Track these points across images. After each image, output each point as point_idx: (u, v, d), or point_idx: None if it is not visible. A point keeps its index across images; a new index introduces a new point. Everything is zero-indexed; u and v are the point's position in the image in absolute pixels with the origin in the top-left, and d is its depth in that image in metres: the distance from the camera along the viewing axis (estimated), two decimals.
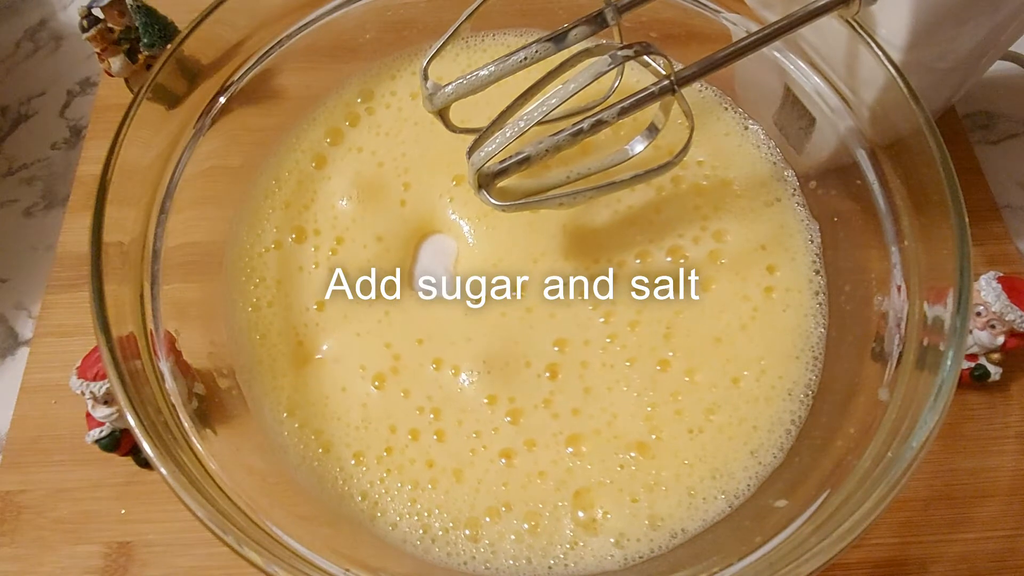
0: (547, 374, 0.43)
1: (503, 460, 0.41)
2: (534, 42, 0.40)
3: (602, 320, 0.44)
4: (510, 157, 0.38)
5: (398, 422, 0.42)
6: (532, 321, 0.44)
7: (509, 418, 0.42)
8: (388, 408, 0.43)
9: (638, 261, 0.46)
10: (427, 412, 0.42)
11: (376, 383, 0.43)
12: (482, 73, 0.40)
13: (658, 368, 0.43)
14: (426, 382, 0.43)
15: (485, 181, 0.39)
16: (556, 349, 0.43)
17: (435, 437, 0.42)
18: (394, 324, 0.45)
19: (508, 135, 0.37)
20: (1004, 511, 0.44)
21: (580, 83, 0.37)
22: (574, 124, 0.38)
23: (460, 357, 0.43)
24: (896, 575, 0.43)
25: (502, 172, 0.39)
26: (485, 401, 0.42)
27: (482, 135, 0.38)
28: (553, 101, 0.37)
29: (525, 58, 0.39)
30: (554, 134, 0.38)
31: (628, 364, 0.43)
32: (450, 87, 0.41)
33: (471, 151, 0.38)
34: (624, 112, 0.37)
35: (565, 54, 0.39)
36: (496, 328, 0.44)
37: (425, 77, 0.41)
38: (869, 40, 0.39)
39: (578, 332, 0.44)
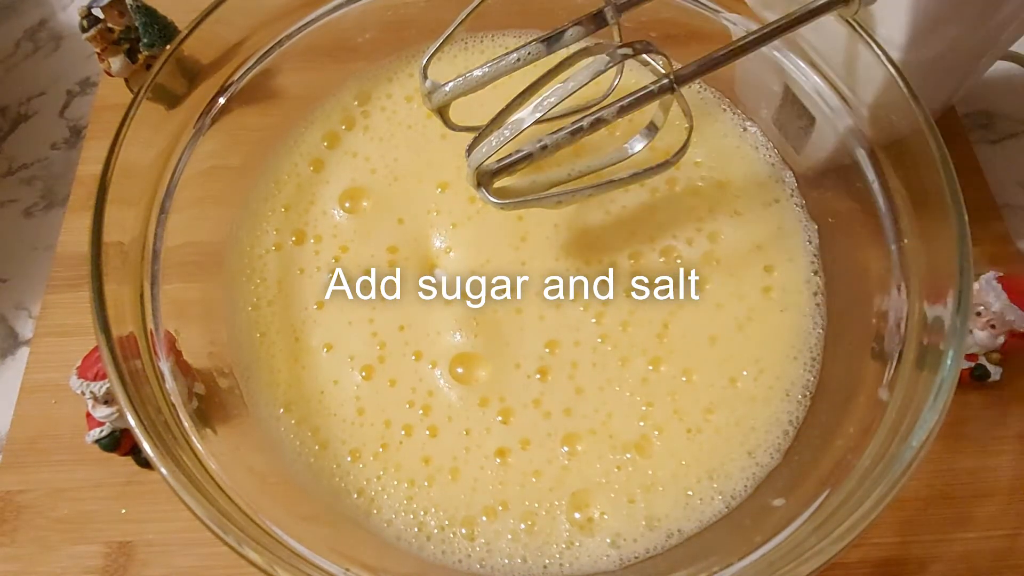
0: (537, 376, 0.43)
1: (498, 459, 0.41)
2: (532, 41, 0.40)
3: (593, 321, 0.44)
4: (509, 155, 0.38)
5: (392, 417, 0.42)
6: (522, 323, 0.44)
7: (500, 417, 0.42)
8: (380, 401, 0.42)
9: (631, 262, 0.45)
10: (417, 407, 0.42)
11: (363, 373, 0.43)
12: (479, 72, 0.40)
13: (650, 368, 0.43)
14: (408, 373, 0.43)
15: (484, 179, 0.39)
16: (547, 351, 0.43)
17: (427, 433, 0.42)
18: (383, 314, 0.45)
19: (507, 133, 0.37)
20: (1004, 511, 0.44)
21: (579, 81, 0.37)
22: (573, 122, 0.37)
23: (438, 352, 0.43)
24: (896, 575, 0.43)
25: (501, 170, 0.39)
26: (476, 402, 0.42)
27: (481, 133, 0.38)
28: (552, 99, 0.37)
29: (519, 59, 0.39)
30: (553, 132, 0.38)
31: (620, 364, 0.43)
32: (448, 86, 0.41)
33: (470, 149, 0.38)
34: (623, 110, 0.37)
35: (563, 53, 0.39)
36: (482, 327, 0.44)
37: (424, 76, 0.41)
38: (869, 40, 0.39)
39: (568, 333, 0.44)
